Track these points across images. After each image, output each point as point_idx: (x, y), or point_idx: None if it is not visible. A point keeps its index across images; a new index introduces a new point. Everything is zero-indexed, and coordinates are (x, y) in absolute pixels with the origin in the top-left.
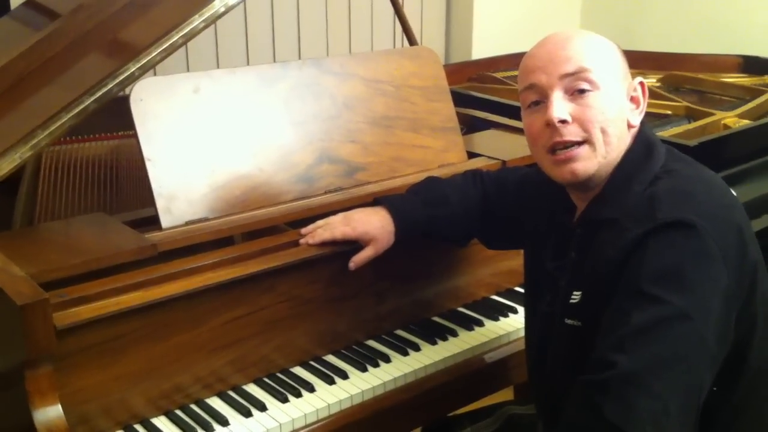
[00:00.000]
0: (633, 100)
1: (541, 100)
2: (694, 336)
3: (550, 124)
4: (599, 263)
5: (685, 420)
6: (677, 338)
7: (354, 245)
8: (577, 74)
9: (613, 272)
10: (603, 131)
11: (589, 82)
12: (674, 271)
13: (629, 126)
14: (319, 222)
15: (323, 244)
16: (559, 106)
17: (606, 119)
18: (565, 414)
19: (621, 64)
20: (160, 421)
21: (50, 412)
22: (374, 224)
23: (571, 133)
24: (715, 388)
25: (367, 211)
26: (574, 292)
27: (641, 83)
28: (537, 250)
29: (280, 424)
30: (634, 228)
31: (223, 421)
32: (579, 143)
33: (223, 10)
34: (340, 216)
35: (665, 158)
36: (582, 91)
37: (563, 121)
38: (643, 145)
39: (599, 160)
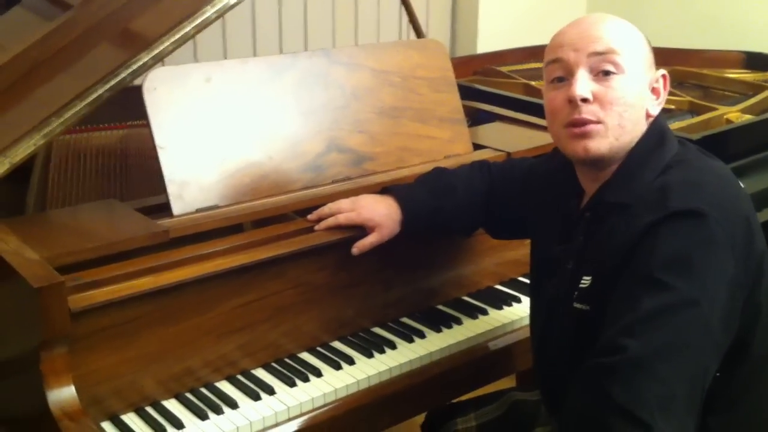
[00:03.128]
0: (654, 91)
1: (566, 77)
2: (700, 322)
3: (572, 101)
4: (609, 248)
5: (691, 404)
6: (685, 324)
7: (361, 232)
8: (605, 55)
9: (624, 258)
10: (620, 115)
11: (615, 64)
12: (683, 258)
13: (648, 116)
14: (327, 205)
15: (330, 229)
16: (583, 85)
17: (626, 103)
18: (571, 397)
19: (648, 54)
20: (171, 404)
21: (64, 393)
22: (380, 211)
23: (590, 112)
24: (718, 374)
25: (375, 198)
26: (584, 277)
27: (663, 76)
28: (543, 236)
29: (288, 408)
30: (646, 215)
31: (233, 404)
32: (595, 122)
33: (234, 1)
34: (348, 200)
35: (677, 149)
36: (607, 73)
37: (585, 100)
38: (656, 133)
39: (611, 141)
